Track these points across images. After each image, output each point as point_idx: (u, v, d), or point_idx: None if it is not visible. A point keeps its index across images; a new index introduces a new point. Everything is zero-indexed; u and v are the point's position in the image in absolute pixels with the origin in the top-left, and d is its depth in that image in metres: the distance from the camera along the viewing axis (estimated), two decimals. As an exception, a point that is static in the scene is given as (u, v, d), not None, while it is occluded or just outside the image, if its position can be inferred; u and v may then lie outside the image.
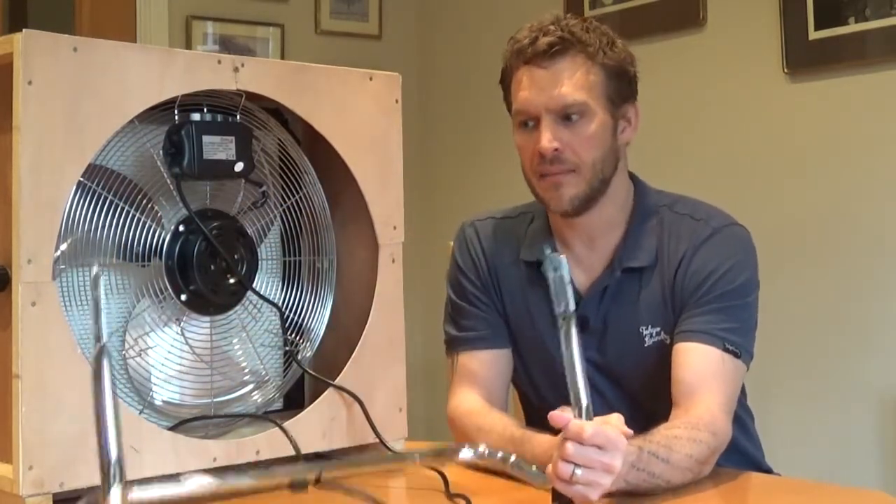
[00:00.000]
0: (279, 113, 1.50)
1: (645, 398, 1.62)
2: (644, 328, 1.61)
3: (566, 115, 1.56)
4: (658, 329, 1.61)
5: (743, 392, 1.75)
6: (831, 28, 2.82)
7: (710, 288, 1.58)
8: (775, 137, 2.98)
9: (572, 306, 1.21)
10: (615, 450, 1.23)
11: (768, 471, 1.73)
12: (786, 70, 2.93)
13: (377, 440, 1.44)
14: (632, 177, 1.68)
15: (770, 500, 1.47)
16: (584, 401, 1.22)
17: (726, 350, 1.54)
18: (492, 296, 1.71)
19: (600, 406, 1.64)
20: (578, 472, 1.21)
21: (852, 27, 2.79)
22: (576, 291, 1.65)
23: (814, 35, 2.86)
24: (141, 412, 1.36)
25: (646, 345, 1.62)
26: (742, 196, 2.88)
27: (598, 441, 1.21)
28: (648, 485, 1.35)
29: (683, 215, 1.64)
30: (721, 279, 1.59)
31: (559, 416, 1.24)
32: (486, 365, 1.68)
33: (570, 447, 1.21)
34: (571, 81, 1.55)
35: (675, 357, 1.56)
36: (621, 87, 1.60)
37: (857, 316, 2.77)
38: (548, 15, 1.62)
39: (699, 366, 1.54)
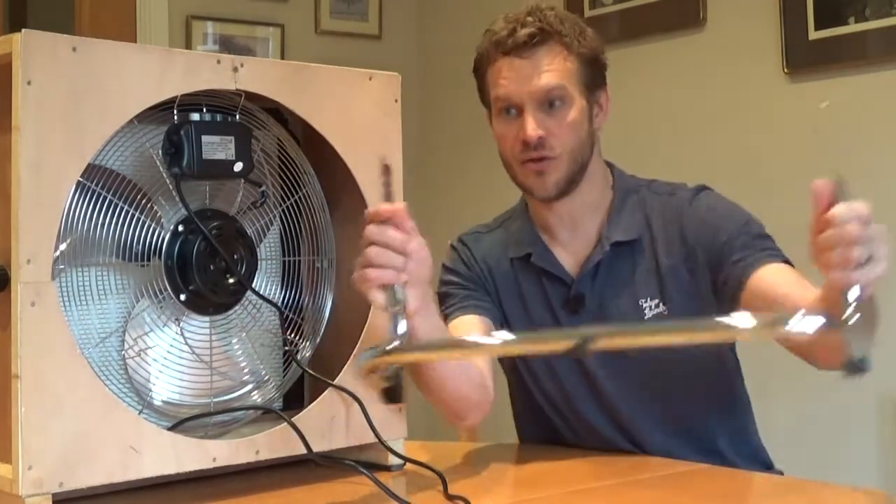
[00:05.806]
0: (279, 113, 1.50)
1: (649, 375, 1.63)
2: (643, 301, 1.64)
3: (549, 102, 1.61)
4: (657, 301, 1.64)
5: (741, 380, 1.75)
6: (831, 28, 2.82)
7: (733, 232, 1.61)
8: (775, 137, 2.97)
9: None
10: None
11: (769, 465, 1.74)
12: (786, 70, 2.92)
13: (377, 440, 1.44)
14: (608, 164, 1.74)
15: (770, 500, 1.47)
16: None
17: (787, 262, 1.58)
18: (489, 291, 1.74)
19: (610, 388, 1.65)
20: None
21: (852, 27, 2.79)
22: (566, 274, 1.68)
23: (814, 35, 2.86)
24: (140, 412, 1.36)
25: (646, 318, 1.64)
26: (741, 196, 2.84)
27: None
28: None
29: (661, 194, 1.70)
30: (737, 224, 1.62)
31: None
32: (477, 325, 1.68)
33: None
34: (551, 70, 1.62)
35: (759, 286, 1.54)
36: (595, 74, 1.67)
37: (856, 316, 2.77)
38: (522, 7, 1.66)
39: (786, 276, 1.54)
